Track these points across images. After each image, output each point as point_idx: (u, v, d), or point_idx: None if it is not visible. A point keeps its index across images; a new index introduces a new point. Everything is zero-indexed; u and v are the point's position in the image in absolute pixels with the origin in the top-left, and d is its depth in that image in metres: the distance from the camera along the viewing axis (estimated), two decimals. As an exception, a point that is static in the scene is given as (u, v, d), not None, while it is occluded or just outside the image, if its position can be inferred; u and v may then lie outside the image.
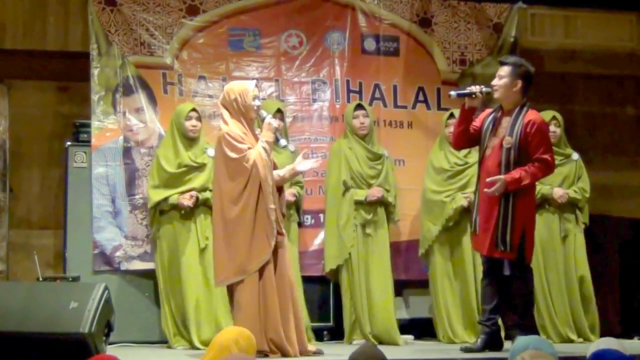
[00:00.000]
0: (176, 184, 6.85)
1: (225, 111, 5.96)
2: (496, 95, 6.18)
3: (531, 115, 6.12)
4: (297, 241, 7.15)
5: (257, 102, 5.99)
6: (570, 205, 7.26)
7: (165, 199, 6.83)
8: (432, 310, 7.32)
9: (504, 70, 6.16)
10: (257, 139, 5.95)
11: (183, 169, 6.86)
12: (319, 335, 7.25)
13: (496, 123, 6.15)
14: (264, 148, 5.85)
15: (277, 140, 6.00)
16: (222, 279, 5.88)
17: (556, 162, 7.12)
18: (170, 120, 7.02)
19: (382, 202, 7.18)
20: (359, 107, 7.26)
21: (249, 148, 5.84)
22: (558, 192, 7.20)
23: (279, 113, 7.01)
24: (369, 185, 7.17)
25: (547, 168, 6.14)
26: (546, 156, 6.08)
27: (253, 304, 5.76)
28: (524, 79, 6.15)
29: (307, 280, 7.19)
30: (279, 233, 5.88)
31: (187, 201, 6.78)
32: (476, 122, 6.22)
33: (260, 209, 5.79)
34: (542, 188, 7.12)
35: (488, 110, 6.29)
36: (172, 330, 6.86)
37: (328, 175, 7.27)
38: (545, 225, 7.15)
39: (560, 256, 7.21)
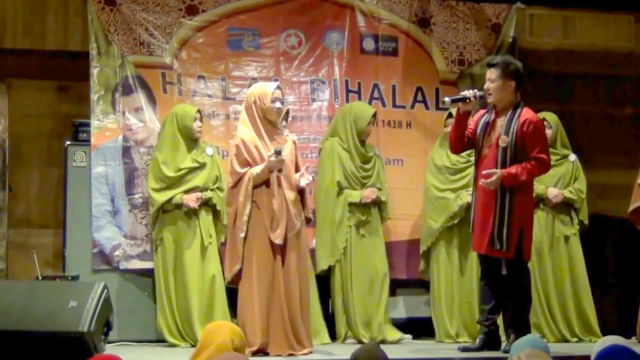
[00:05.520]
0: (178, 185, 6.90)
1: (244, 114, 6.12)
2: (491, 99, 6.17)
3: (527, 114, 6.13)
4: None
5: (277, 105, 6.10)
6: (566, 206, 7.26)
7: (169, 200, 6.87)
8: (431, 309, 7.33)
9: (494, 73, 6.14)
10: (267, 146, 6.05)
11: (183, 171, 6.90)
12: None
13: (491, 123, 6.16)
14: (253, 177, 5.97)
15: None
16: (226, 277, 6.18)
17: (552, 162, 7.15)
18: (168, 122, 7.02)
19: (375, 202, 7.19)
20: (374, 114, 7.29)
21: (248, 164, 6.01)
22: (553, 192, 7.19)
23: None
24: (363, 186, 7.18)
25: (543, 167, 6.15)
26: (542, 155, 6.09)
27: (252, 304, 5.90)
28: (515, 78, 6.15)
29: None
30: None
31: (193, 203, 6.83)
32: (471, 125, 6.23)
33: (233, 233, 6.04)
34: (536, 188, 7.09)
35: (482, 111, 6.30)
36: (169, 329, 6.87)
37: (320, 176, 7.23)
38: (539, 225, 7.13)
39: (555, 257, 7.19)
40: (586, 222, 7.31)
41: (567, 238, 7.23)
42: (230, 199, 6.09)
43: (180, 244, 6.88)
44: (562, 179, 7.29)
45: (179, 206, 6.88)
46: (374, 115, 7.28)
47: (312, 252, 7.22)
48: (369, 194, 7.13)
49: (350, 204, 7.11)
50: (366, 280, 7.11)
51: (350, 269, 7.08)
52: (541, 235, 7.16)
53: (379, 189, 7.20)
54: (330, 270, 7.15)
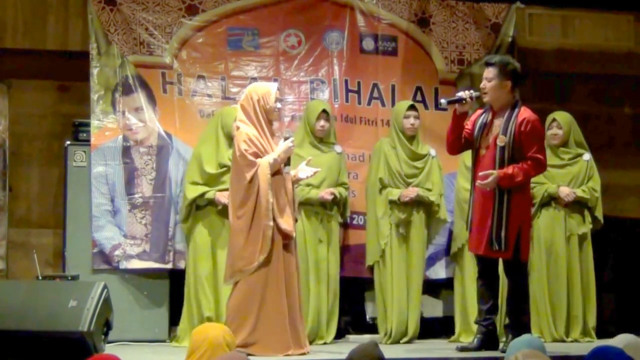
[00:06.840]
0: (215, 183, 6.91)
1: (242, 113, 6.14)
2: (486, 98, 6.17)
3: (525, 113, 6.13)
4: (339, 241, 7.16)
5: (278, 105, 6.18)
6: (578, 205, 7.17)
7: (202, 195, 6.88)
8: (455, 309, 7.29)
9: (491, 72, 6.13)
10: (270, 144, 6.08)
11: (223, 169, 6.91)
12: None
13: (488, 123, 6.16)
14: (270, 164, 5.96)
15: (286, 163, 6.11)
16: (225, 278, 6.13)
17: (565, 161, 7.15)
18: (212, 120, 7.11)
19: (420, 202, 7.13)
20: (412, 107, 7.24)
21: (258, 157, 6.01)
22: (564, 191, 7.10)
23: (325, 113, 7.13)
24: (408, 185, 7.15)
25: (540, 167, 6.15)
26: (539, 155, 6.09)
27: (244, 307, 5.93)
28: (512, 78, 6.14)
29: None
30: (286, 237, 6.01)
31: (224, 199, 6.81)
32: (468, 125, 6.23)
33: (255, 224, 5.94)
34: (548, 187, 7.07)
35: (479, 112, 6.30)
36: (187, 328, 6.86)
37: (368, 174, 7.31)
38: (550, 224, 7.11)
39: (564, 256, 7.10)
40: (601, 220, 7.20)
41: (579, 237, 7.16)
42: (245, 194, 5.99)
43: (214, 243, 6.90)
44: (576, 178, 7.20)
45: (211, 202, 6.89)
46: (412, 108, 7.22)
47: (363, 248, 7.26)
48: (408, 192, 7.06)
49: (390, 202, 7.09)
50: (402, 280, 7.09)
51: (389, 268, 7.06)
52: (552, 234, 7.11)
53: (428, 190, 7.14)
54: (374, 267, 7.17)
